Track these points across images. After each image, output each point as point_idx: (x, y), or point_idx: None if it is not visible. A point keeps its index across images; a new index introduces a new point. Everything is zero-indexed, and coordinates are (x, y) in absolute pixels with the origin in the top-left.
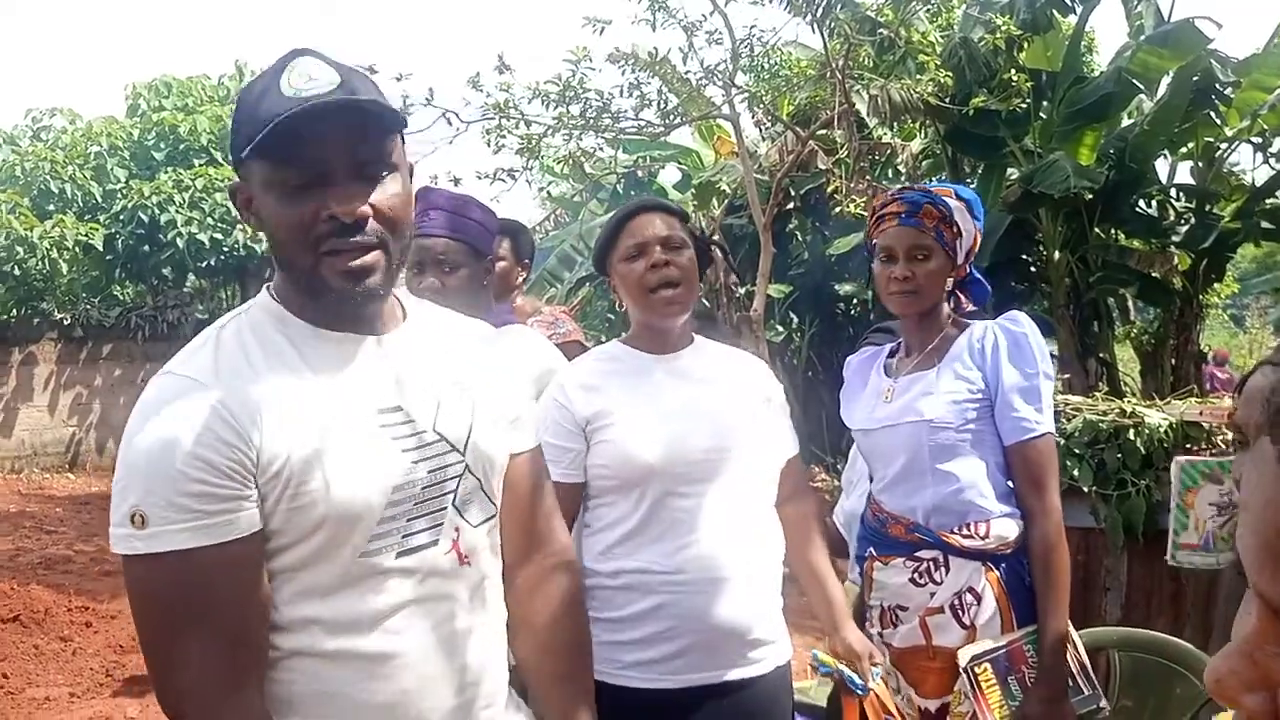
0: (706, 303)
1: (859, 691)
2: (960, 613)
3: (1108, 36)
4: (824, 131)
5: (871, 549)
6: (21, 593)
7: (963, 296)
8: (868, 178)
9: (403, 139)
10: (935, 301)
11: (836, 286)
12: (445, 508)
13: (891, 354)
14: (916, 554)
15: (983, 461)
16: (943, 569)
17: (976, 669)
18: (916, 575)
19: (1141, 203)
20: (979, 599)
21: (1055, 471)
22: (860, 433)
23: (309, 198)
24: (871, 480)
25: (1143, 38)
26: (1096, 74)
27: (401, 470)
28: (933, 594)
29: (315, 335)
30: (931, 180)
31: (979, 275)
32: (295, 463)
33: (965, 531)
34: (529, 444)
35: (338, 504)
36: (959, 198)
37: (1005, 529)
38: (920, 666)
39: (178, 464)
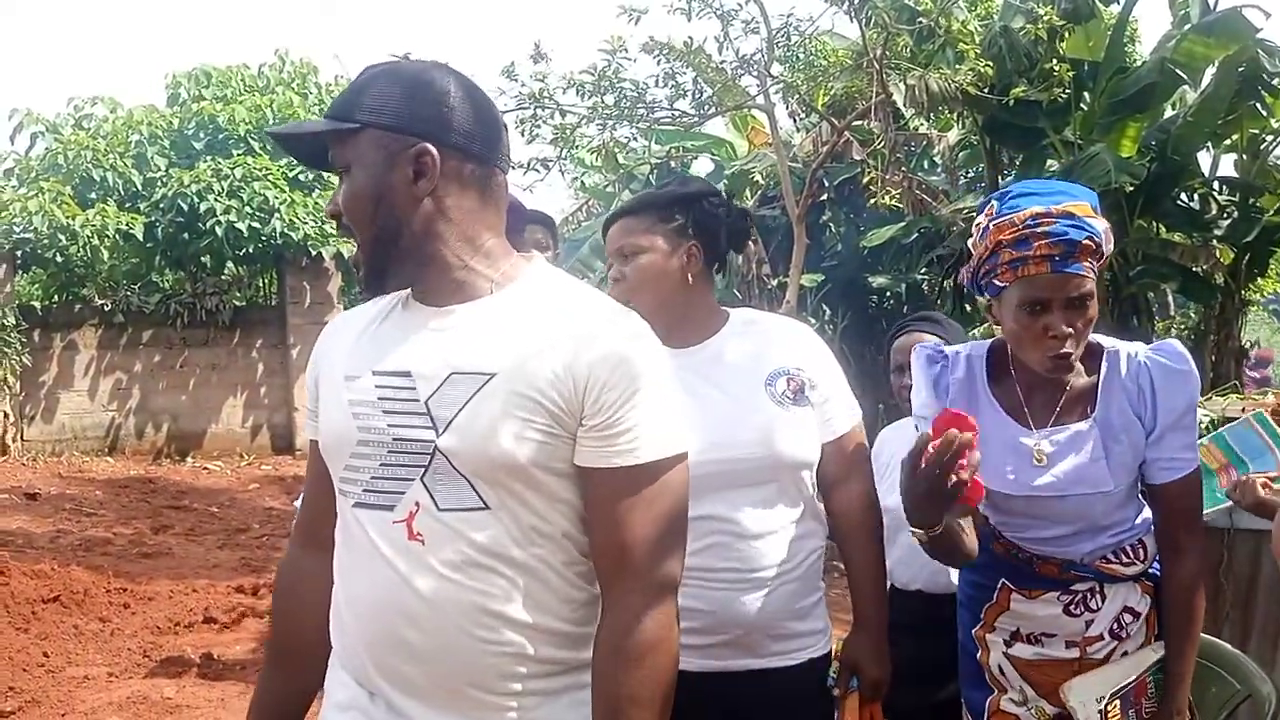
0: (739, 294)
1: (832, 689)
2: (1119, 633)
3: (1151, 25)
4: (860, 122)
5: (1005, 581)
6: (62, 573)
7: None
8: (903, 169)
9: (401, 129)
10: None
11: (870, 279)
12: (412, 480)
13: (990, 371)
14: (1072, 588)
15: (1135, 493)
16: (1099, 596)
17: (1109, 710)
18: (1071, 607)
19: (1184, 196)
20: (1137, 615)
21: (1201, 503)
22: (1000, 495)
23: None
24: (986, 513)
25: (1187, 26)
26: (1139, 64)
27: (373, 427)
28: (1089, 623)
29: (405, 303)
30: (960, 174)
31: None
32: (320, 395)
33: (1124, 559)
34: (622, 460)
35: (326, 437)
36: (1096, 210)
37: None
38: (1058, 680)
39: None
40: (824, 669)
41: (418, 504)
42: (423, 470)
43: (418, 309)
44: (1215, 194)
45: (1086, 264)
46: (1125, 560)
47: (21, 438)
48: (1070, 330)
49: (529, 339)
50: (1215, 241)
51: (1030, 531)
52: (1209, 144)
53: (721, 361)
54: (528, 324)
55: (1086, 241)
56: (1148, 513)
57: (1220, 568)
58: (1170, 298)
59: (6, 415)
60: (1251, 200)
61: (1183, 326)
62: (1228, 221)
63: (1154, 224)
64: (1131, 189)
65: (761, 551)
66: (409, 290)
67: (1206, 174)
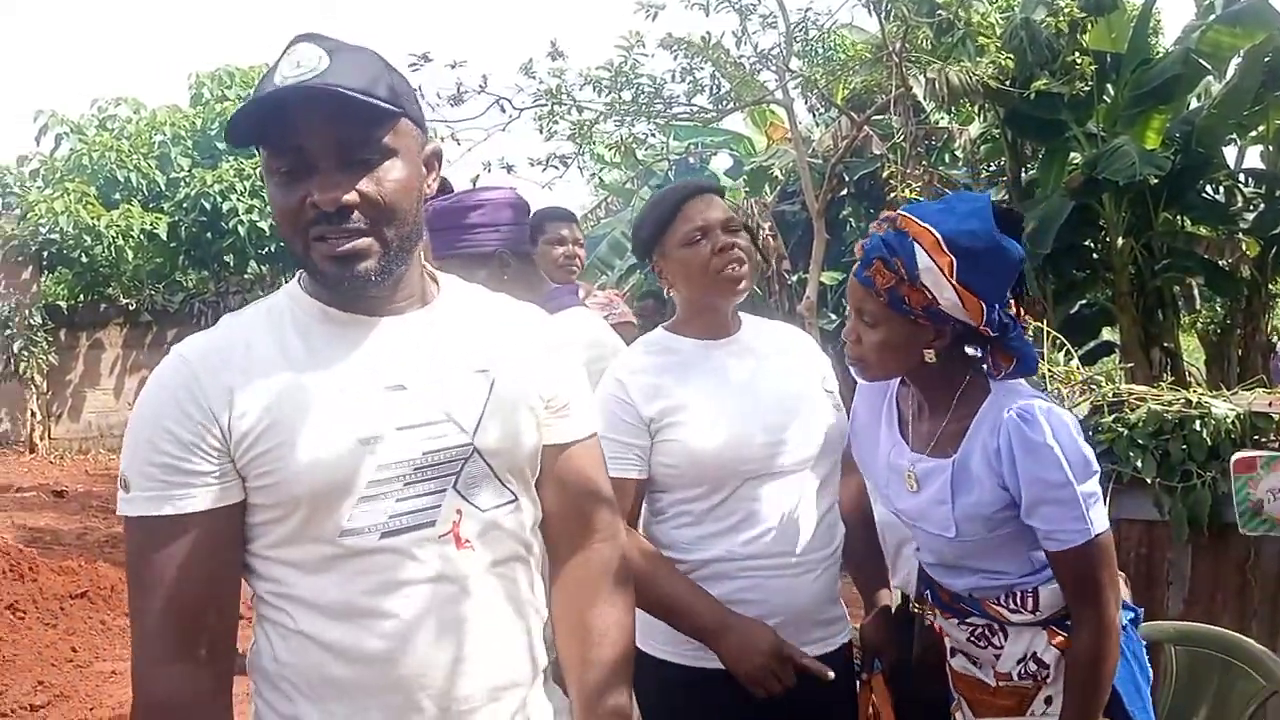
0: (759, 290)
1: (859, 673)
2: (1028, 677)
3: (1174, 16)
4: (879, 116)
5: (928, 593)
6: (89, 570)
7: (1002, 361)
8: (924, 163)
9: (420, 124)
10: (904, 370)
11: None
12: (445, 489)
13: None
14: (968, 620)
15: (1021, 547)
16: (1000, 634)
17: None
18: (974, 637)
19: (1209, 188)
20: (1046, 666)
21: (1109, 573)
22: (880, 510)
23: (298, 185)
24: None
25: (1212, 17)
26: (1163, 55)
27: (391, 447)
28: (997, 656)
29: (324, 317)
30: (982, 168)
31: (1020, 340)
32: (268, 440)
33: (1012, 605)
34: (580, 433)
35: (313, 481)
36: (950, 240)
37: (1057, 597)
38: (982, 701)
39: (148, 433)
40: (849, 655)
41: (459, 512)
42: (454, 478)
43: (354, 320)
44: (1241, 186)
45: (880, 284)
46: (1012, 606)
47: (49, 436)
48: (855, 336)
49: (500, 337)
50: (1241, 234)
51: (921, 553)
52: (1234, 135)
53: (771, 350)
54: (487, 324)
55: (879, 261)
56: (1047, 570)
57: (1248, 565)
58: (1196, 291)
59: (34, 414)
60: (1278, 192)
61: (1209, 320)
62: (1254, 214)
63: (1179, 217)
64: (1156, 181)
65: (817, 535)
66: (311, 303)
67: (1232, 166)
